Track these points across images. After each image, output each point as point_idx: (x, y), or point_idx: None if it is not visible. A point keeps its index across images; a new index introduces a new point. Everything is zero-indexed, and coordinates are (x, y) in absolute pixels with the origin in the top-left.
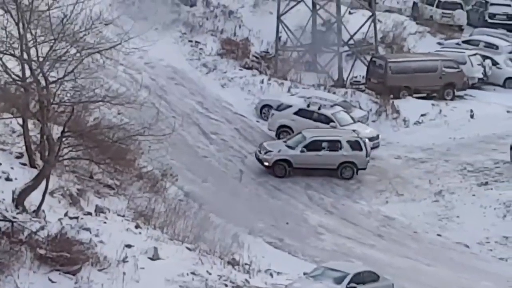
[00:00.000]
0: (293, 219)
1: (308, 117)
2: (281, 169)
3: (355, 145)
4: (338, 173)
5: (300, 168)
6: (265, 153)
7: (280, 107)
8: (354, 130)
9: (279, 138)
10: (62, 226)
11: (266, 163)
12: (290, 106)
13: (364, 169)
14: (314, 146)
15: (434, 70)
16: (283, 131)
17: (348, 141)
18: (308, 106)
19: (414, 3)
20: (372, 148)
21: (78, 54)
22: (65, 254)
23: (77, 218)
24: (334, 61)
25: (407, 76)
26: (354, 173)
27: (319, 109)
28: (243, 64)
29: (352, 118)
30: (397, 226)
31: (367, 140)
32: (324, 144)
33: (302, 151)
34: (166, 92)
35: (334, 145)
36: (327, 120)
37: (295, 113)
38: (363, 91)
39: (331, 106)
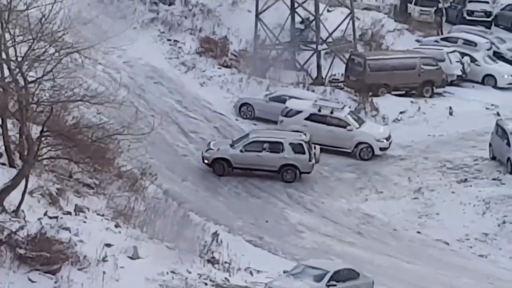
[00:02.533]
0: (273, 217)
1: (320, 121)
2: (220, 168)
3: (298, 148)
4: (280, 175)
5: (240, 168)
6: (206, 151)
7: (289, 113)
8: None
9: None
10: (42, 225)
11: (206, 161)
12: (300, 111)
13: (309, 172)
14: (255, 146)
15: (412, 67)
16: None
17: (290, 144)
18: (320, 110)
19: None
20: (384, 149)
21: (56, 54)
22: (44, 253)
23: (56, 217)
24: (313, 59)
25: (385, 74)
26: (296, 176)
27: (331, 112)
28: (222, 63)
29: (360, 118)
30: (377, 224)
31: (317, 148)
32: (265, 145)
33: (241, 151)
34: (145, 91)
35: (276, 146)
36: (341, 123)
37: (307, 119)
38: (342, 88)
39: (342, 108)
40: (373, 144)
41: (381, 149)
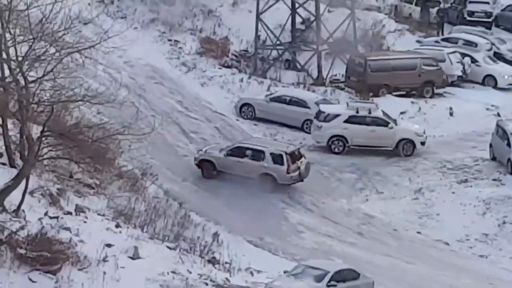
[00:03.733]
0: (273, 217)
1: (360, 122)
2: (206, 170)
3: (277, 158)
4: (260, 185)
5: (225, 172)
6: (197, 151)
7: (328, 118)
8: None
9: (330, 149)
10: (42, 225)
11: (195, 162)
12: (338, 115)
13: (288, 184)
14: (238, 152)
15: (413, 68)
16: (335, 140)
17: (271, 153)
18: (357, 111)
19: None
20: (423, 143)
21: (57, 54)
22: (45, 253)
23: (57, 217)
24: (314, 60)
25: (386, 74)
26: (272, 186)
27: (369, 112)
28: (223, 63)
29: (390, 116)
30: (377, 224)
31: (304, 162)
32: (248, 152)
33: (225, 155)
34: (145, 91)
35: (257, 154)
36: (381, 122)
37: (346, 121)
38: (342, 89)
39: (376, 107)
40: (414, 139)
41: (421, 143)
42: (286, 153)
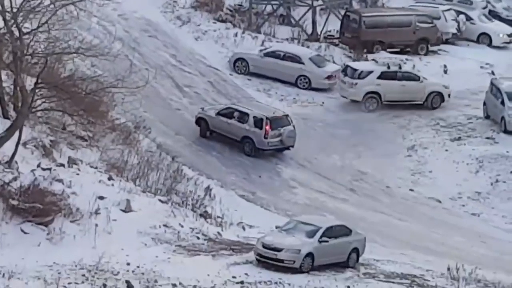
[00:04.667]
0: (266, 172)
1: (393, 78)
2: (202, 128)
3: (258, 122)
4: (242, 147)
5: (216, 132)
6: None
7: (361, 75)
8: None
9: (366, 107)
10: (35, 177)
11: (194, 119)
12: (371, 71)
13: (264, 150)
14: (228, 113)
15: (408, 25)
16: (370, 98)
17: (254, 117)
18: (388, 67)
19: None
20: (449, 95)
21: (52, 6)
22: (37, 205)
23: (49, 169)
24: (308, 15)
25: (381, 31)
26: (252, 150)
27: (399, 67)
28: (217, 17)
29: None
30: (370, 181)
31: (287, 130)
32: (235, 114)
33: (216, 114)
34: (139, 44)
35: (242, 117)
36: (412, 76)
37: (379, 77)
38: (337, 45)
39: (405, 62)
40: (443, 92)
41: (448, 95)
42: (266, 118)
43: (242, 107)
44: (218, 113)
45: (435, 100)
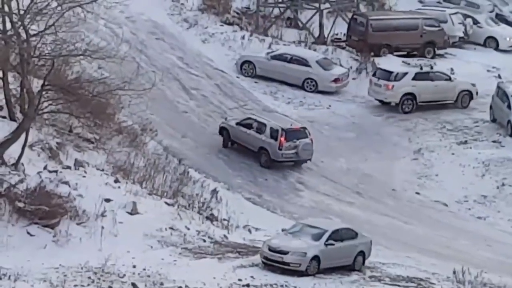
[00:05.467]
0: (272, 175)
1: (426, 78)
2: (224, 139)
3: (274, 133)
4: (258, 158)
5: (237, 143)
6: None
7: (397, 77)
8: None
9: (402, 109)
10: (41, 179)
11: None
12: (406, 73)
13: (279, 162)
14: (247, 123)
15: (415, 28)
16: (406, 99)
17: (271, 128)
18: (421, 68)
19: None
20: (477, 93)
21: (59, 8)
22: (43, 207)
23: (56, 171)
24: (315, 18)
25: (388, 34)
26: (267, 162)
27: (431, 68)
28: (224, 20)
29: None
30: (376, 184)
31: (302, 142)
32: (254, 124)
33: (237, 124)
34: (146, 46)
35: (260, 127)
36: (444, 76)
37: (413, 78)
38: (343, 48)
39: (434, 63)
40: (472, 90)
41: (476, 93)
42: (282, 129)
43: (261, 118)
44: (238, 123)
45: (464, 99)
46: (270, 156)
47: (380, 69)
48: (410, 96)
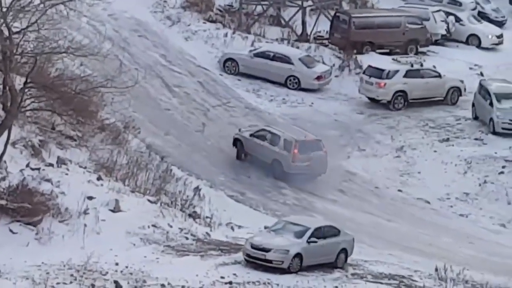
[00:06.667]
0: (255, 173)
1: (417, 76)
2: (238, 150)
3: (288, 145)
4: (272, 170)
5: (250, 154)
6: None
7: (389, 75)
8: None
9: (394, 107)
10: (24, 177)
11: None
12: (397, 70)
13: (292, 174)
14: (261, 135)
15: (397, 26)
16: (398, 96)
17: (285, 140)
18: (412, 65)
19: None
20: (464, 90)
21: (41, 5)
22: (26, 205)
23: (38, 169)
24: (298, 16)
25: (370, 32)
26: (281, 174)
27: (421, 65)
28: (207, 17)
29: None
30: (359, 181)
31: (316, 157)
32: (268, 136)
33: (250, 135)
34: (129, 44)
35: (274, 139)
36: (433, 73)
37: (405, 76)
38: (326, 46)
39: (424, 60)
40: (461, 87)
41: (464, 89)
42: (296, 140)
43: (275, 129)
44: (252, 135)
45: (453, 95)
46: (283, 168)
47: (371, 67)
48: (401, 93)
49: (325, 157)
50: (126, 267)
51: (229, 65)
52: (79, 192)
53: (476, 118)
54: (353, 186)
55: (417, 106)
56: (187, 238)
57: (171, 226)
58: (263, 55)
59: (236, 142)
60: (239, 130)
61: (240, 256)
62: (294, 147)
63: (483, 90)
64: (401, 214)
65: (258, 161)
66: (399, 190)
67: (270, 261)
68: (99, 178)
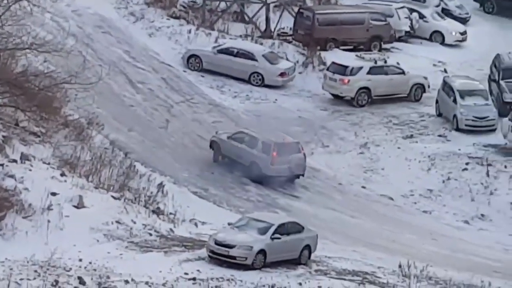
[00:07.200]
0: (219, 169)
1: (381, 73)
2: (215, 152)
3: (266, 147)
4: (249, 173)
5: (227, 157)
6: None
7: (353, 71)
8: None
9: (358, 103)
10: None
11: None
12: (361, 67)
13: (271, 177)
14: (238, 137)
15: (361, 22)
16: (362, 93)
17: (263, 142)
18: (376, 62)
19: None
20: (428, 86)
21: (5, 1)
22: None
23: (2, 165)
24: (262, 12)
25: (334, 28)
26: (260, 176)
27: (385, 62)
28: (171, 14)
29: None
30: (322, 178)
31: (296, 157)
32: (246, 138)
33: (228, 137)
34: (93, 40)
35: (252, 141)
36: (397, 70)
37: (368, 73)
38: (290, 42)
39: (388, 57)
40: (424, 84)
41: (428, 86)
42: (275, 143)
43: (252, 132)
44: (230, 137)
45: (417, 92)
46: (261, 170)
47: (335, 63)
48: (365, 90)
49: (303, 159)
50: (90, 263)
51: (193, 61)
52: (42, 188)
53: (439, 115)
54: (317, 182)
55: (381, 102)
56: (150, 234)
57: (134, 222)
58: (226, 51)
59: (213, 144)
60: (216, 132)
61: (203, 252)
62: (273, 150)
63: (446, 87)
64: (364, 211)
65: (235, 163)
66: (363, 187)
67: (234, 258)
68: (62, 174)
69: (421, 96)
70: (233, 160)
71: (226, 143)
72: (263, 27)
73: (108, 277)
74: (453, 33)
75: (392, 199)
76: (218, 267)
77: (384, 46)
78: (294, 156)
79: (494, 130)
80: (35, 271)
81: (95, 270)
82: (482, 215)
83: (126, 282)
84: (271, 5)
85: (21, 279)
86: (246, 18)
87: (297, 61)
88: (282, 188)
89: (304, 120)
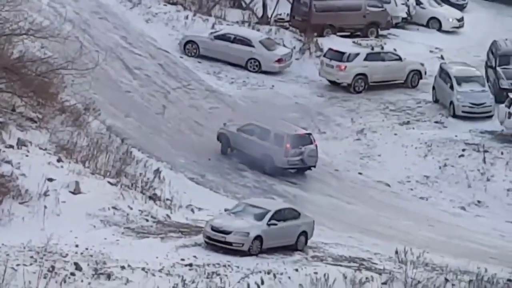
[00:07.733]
0: (215, 155)
1: (377, 59)
2: (223, 145)
3: (279, 139)
4: (262, 165)
5: (237, 149)
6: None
7: (350, 57)
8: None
9: (354, 90)
10: None
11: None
12: (358, 53)
13: (284, 169)
14: (249, 129)
15: (358, 8)
16: (358, 79)
17: (275, 134)
18: (372, 48)
19: None
20: (425, 73)
21: None
22: None
23: None
24: None
25: (331, 14)
26: (271, 169)
27: (382, 48)
28: (168, 0)
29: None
30: (319, 164)
31: (308, 149)
32: (257, 130)
33: (237, 130)
34: (89, 26)
35: (264, 133)
36: (394, 57)
37: (365, 59)
38: (287, 28)
39: (384, 43)
40: (421, 70)
41: (425, 73)
42: (288, 135)
43: (264, 124)
44: (239, 129)
45: (413, 78)
46: (274, 163)
47: (332, 50)
48: (362, 76)
49: (315, 150)
50: (86, 249)
51: (190, 47)
52: (39, 174)
53: (436, 101)
54: (314, 168)
55: (378, 89)
56: (147, 220)
57: (131, 208)
58: (223, 37)
59: (221, 136)
60: (224, 124)
61: (200, 238)
62: (286, 142)
63: (443, 73)
64: (361, 197)
65: (246, 155)
66: (359, 173)
67: (230, 243)
68: (59, 160)
69: (417, 82)
70: (243, 152)
71: (236, 135)
72: (260, 13)
73: (104, 263)
74: (450, 20)
75: (388, 185)
76: (215, 253)
77: (381, 32)
78: (307, 148)
79: (490, 116)
80: (32, 256)
81: (91, 256)
82: (479, 201)
83: (123, 268)
84: None
85: (17, 265)
86: (243, 4)
87: (294, 47)
88: (279, 174)
89: (300, 106)
